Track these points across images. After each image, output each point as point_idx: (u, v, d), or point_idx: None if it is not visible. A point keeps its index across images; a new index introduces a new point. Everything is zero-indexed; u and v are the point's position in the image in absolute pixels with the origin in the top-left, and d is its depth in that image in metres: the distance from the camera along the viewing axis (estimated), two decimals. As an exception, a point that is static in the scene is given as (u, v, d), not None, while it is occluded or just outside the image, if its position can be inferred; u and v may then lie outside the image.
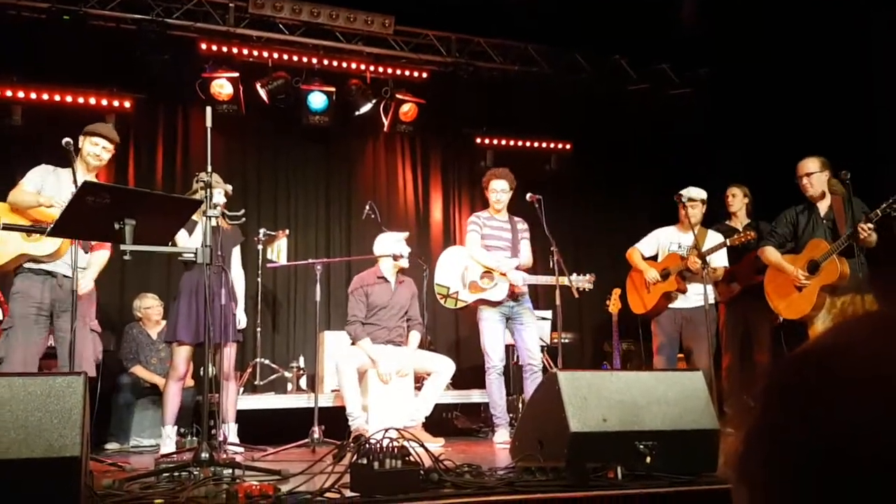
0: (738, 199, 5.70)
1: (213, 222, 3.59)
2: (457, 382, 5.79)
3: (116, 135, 4.56)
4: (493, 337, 5.24)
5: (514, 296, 5.27)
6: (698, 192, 5.37)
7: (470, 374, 6.38)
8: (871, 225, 4.45)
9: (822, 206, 4.88)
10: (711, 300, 5.09)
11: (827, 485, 0.44)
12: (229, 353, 4.80)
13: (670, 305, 5.30)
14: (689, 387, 3.40)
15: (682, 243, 5.37)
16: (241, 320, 5.20)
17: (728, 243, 5.12)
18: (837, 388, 0.45)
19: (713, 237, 5.32)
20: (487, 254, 5.30)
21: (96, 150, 4.41)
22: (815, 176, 4.85)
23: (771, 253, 4.96)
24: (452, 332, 7.68)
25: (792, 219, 4.98)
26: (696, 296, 5.23)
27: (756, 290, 5.30)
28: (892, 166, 5.66)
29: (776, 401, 0.49)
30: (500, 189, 5.36)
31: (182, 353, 4.69)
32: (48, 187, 4.29)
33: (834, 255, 4.61)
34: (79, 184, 3.93)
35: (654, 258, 5.50)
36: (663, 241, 5.48)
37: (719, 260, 5.25)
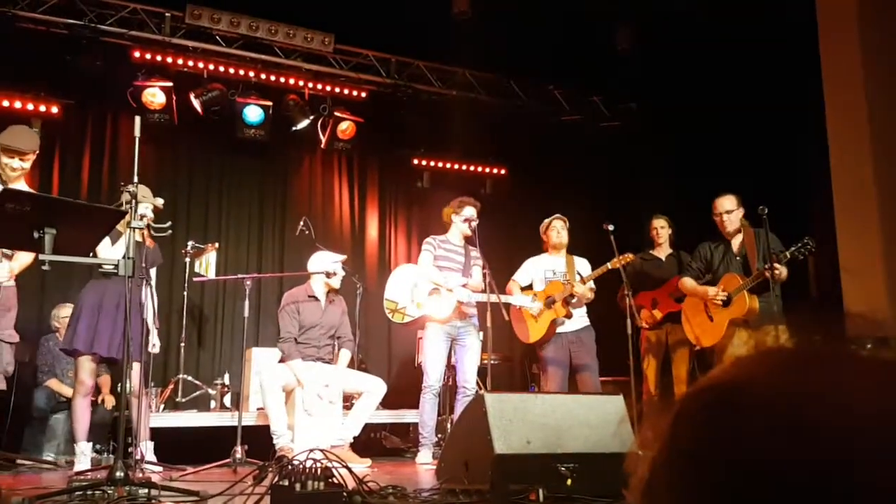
0: (665, 231, 5.89)
1: (138, 235, 3.50)
2: (387, 402, 5.77)
3: (34, 142, 4.27)
4: (434, 356, 5.29)
5: (461, 315, 5.34)
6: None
7: (401, 393, 6.36)
8: (777, 265, 4.64)
9: (735, 242, 5.08)
10: (587, 322, 5.44)
11: None
12: (134, 370, 4.66)
13: (557, 330, 5.43)
14: (610, 410, 3.49)
15: (556, 270, 5.54)
16: (156, 345, 5.04)
17: (610, 266, 5.28)
18: (735, 422, 0.46)
19: (580, 261, 5.56)
20: (437, 271, 5.37)
21: (13, 163, 4.15)
22: (733, 213, 5.05)
23: (688, 282, 5.18)
24: (385, 352, 7.66)
25: (706, 254, 5.19)
26: (579, 318, 5.44)
27: (676, 316, 5.48)
28: (809, 203, 5.94)
29: (679, 429, 0.50)
30: (474, 216, 5.49)
31: (86, 366, 4.52)
32: None
33: (744, 291, 4.80)
34: None
35: (529, 287, 5.62)
36: (536, 269, 5.61)
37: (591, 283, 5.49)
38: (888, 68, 4.41)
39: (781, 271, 4.67)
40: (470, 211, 5.52)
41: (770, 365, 0.50)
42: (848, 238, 4.54)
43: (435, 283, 5.36)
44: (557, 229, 5.59)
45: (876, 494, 0.41)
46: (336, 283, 5.52)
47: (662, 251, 5.87)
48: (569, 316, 5.37)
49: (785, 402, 0.46)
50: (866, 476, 0.42)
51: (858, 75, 4.46)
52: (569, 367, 5.42)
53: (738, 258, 5.02)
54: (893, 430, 0.43)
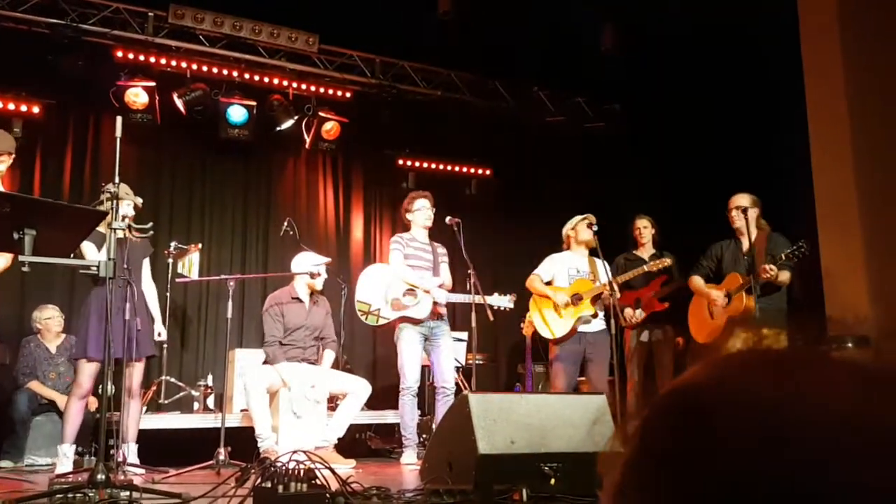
0: (648, 231, 5.92)
1: (119, 234, 3.48)
2: (372, 403, 5.76)
3: (9, 143, 4.21)
4: (410, 357, 5.27)
5: (435, 315, 5.33)
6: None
7: (386, 394, 6.35)
8: (772, 266, 4.68)
9: (746, 242, 5.10)
10: (604, 325, 5.38)
11: None
12: (136, 369, 4.67)
13: (578, 329, 5.43)
14: (594, 410, 3.49)
15: (580, 268, 5.53)
16: (162, 333, 5.20)
17: (646, 269, 5.34)
18: (705, 423, 0.46)
19: (599, 263, 5.53)
20: (412, 271, 5.34)
21: None
22: (742, 210, 5.07)
23: (696, 281, 5.25)
24: (369, 352, 7.64)
25: (717, 252, 5.24)
26: (598, 320, 5.43)
27: (659, 316, 5.51)
28: (792, 205, 5.97)
29: (649, 431, 0.49)
30: (427, 206, 5.44)
31: (88, 370, 4.56)
32: None
33: (743, 291, 4.85)
34: None
35: (549, 284, 5.60)
36: (559, 267, 5.58)
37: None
38: (869, 70, 4.45)
39: (777, 273, 4.72)
40: (422, 202, 5.47)
41: (741, 366, 0.49)
42: (829, 240, 4.57)
43: (410, 285, 5.34)
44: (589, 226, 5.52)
45: (870, 494, 0.41)
46: (319, 284, 5.50)
47: (646, 251, 5.89)
48: (596, 315, 5.37)
49: (755, 403, 0.45)
50: (857, 476, 0.41)
51: (839, 77, 4.49)
52: (580, 367, 5.43)
53: (745, 258, 5.04)
54: (883, 430, 0.43)
